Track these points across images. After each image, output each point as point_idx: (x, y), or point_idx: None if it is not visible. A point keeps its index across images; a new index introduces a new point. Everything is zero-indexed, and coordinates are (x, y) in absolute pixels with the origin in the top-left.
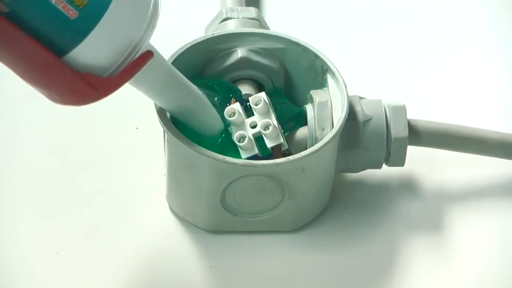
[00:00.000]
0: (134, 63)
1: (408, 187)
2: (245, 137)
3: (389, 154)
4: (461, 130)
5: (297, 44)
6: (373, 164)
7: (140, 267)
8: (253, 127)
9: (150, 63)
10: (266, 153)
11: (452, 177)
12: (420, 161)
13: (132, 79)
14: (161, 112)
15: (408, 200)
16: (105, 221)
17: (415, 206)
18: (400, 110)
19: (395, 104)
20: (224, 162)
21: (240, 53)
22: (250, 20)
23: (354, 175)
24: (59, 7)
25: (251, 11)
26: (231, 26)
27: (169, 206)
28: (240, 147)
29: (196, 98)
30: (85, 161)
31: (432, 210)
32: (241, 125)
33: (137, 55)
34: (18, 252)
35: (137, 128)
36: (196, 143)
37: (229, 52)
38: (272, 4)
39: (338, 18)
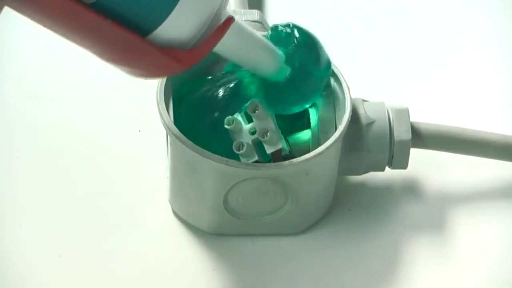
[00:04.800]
0: (216, 32)
1: (411, 189)
2: (244, 144)
3: (392, 157)
4: (464, 133)
5: None
6: (376, 167)
7: (143, 269)
8: (253, 133)
9: (230, 28)
10: (267, 159)
11: (455, 180)
12: (423, 163)
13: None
14: (164, 114)
15: (411, 202)
16: (108, 224)
17: (418, 209)
18: (403, 112)
19: (398, 106)
20: (227, 164)
21: None
22: (253, 22)
23: (357, 177)
24: None
25: (254, 14)
26: None
27: (172, 208)
28: (240, 154)
29: (268, 49)
30: (88, 164)
31: (435, 212)
32: (240, 132)
33: (218, 24)
34: (21, 255)
35: (139, 131)
36: (199, 145)
37: None
38: (275, 7)
39: (340, 21)
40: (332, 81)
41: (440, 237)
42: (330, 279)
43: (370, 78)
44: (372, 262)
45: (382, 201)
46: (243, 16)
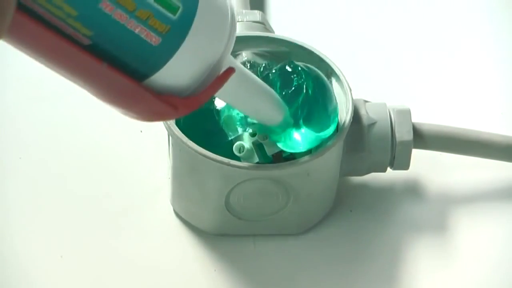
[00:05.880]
0: (216, 81)
1: (413, 190)
2: (244, 147)
3: (394, 158)
4: (465, 134)
5: (302, 48)
6: (378, 168)
7: (144, 270)
8: (253, 135)
9: (232, 77)
10: (267, 161)
11: (456, 181)
12: (425, 164)
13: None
14: None
15: (412, 203)
16: (109, 224)
17: (420, 209)
18: (405, 113)
19: (400, 107)
20: (229, 165)
21: (244, 56)
22: (254, 23)
23: (358, 178)
24: (142, 35)
25: (256, 14)
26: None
27: (174, 209)
28: (240, 157)
29: (268, 96)
30: (89, 165)
31: (436, 213)
32: (241, 135)
33: (219, 72)
34: (22, 256)
35: (141, 131)
36: (201, 146)
37: (234, 55)
38: (277, 7)
39: (342, 22)
40: (334, 81)
41: (442, 238)
42: (332, 279)
43: (372, 79)
44: (374, 262)
45: (383, 202)
46: (245, 17)
